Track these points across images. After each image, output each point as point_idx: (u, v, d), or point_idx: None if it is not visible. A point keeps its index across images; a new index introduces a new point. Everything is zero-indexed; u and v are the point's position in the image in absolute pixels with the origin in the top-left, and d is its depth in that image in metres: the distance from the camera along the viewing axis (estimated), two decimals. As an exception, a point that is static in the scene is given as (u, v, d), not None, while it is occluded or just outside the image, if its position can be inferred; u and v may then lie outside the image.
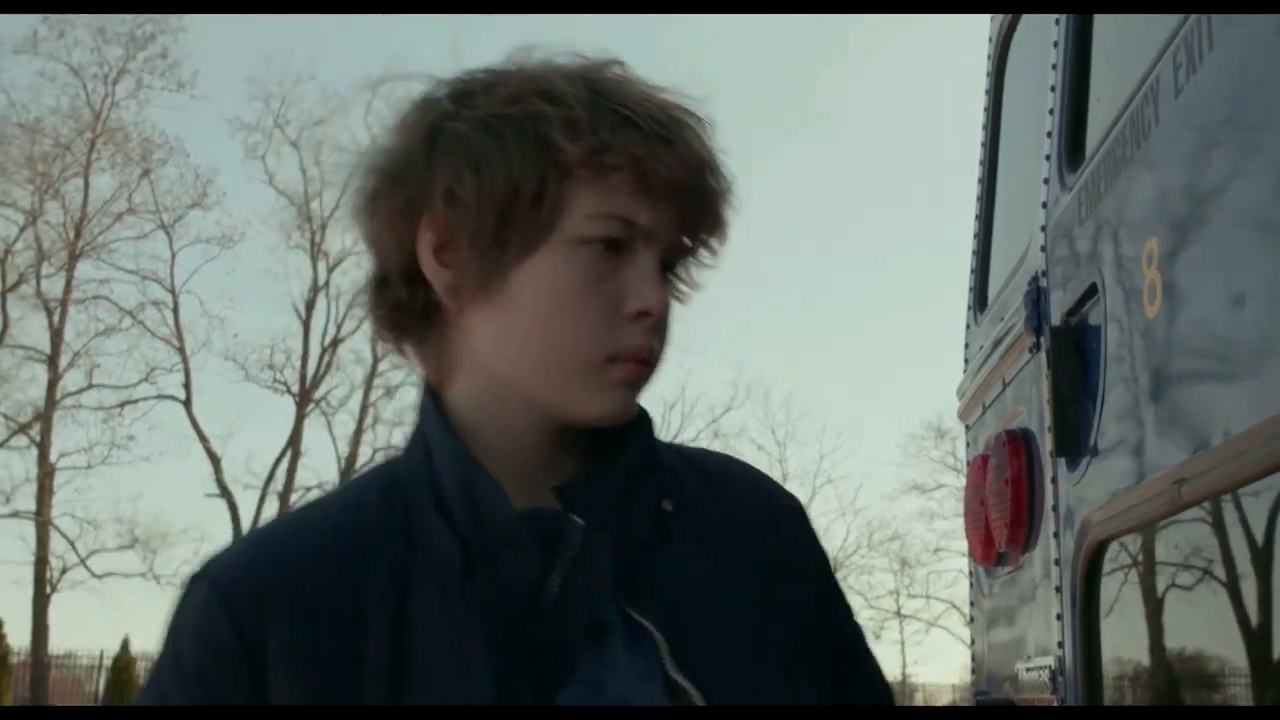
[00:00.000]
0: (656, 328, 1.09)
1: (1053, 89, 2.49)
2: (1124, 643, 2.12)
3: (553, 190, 1.04)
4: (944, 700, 46.53)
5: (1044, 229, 2.41)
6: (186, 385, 30.86)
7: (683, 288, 1.17)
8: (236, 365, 37.41)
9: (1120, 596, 2.12)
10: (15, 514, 27.77)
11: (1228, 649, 1.78)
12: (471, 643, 1.01)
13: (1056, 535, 2.30)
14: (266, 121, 33.28)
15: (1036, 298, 2.39)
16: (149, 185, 30.11)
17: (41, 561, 27.27)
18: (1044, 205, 2.43)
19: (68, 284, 28.80)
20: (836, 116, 61.62)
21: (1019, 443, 2.53)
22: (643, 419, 1.14)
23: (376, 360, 33.33)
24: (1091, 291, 2.10)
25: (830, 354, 62.69)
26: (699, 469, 1.21)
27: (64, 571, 28.07)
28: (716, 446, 42.96)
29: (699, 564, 1.11)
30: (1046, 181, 2.43)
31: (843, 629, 1.26)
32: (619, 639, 1.06)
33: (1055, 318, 2.29)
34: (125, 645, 24.94)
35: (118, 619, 60.04)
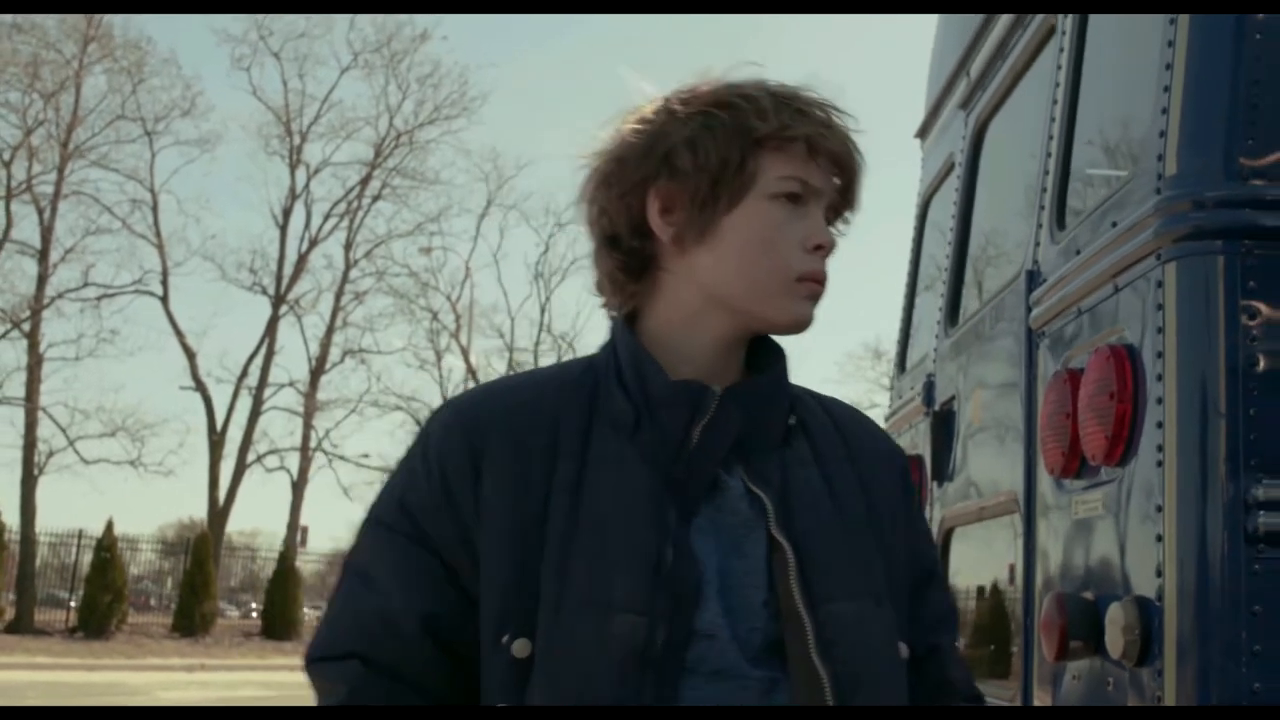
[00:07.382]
0: (826, 259, 1.39)
1: (945, 259, 4.39)
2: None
3: (750, 160, 1.36)
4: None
5: (935, 350, 4.34)
6: (164, 281, 32.23)
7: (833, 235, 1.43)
8: (214, 265, 39.09)
9: (953, 563, 4.08)
10: (5, 401, 29.38)
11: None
12: (637, 473, 1.31)
13: (940, 522, 4.26)
14: (252, 34, 34.32)
15: (928, 389, 4.32)
16: (135, 97, 31.26)
17: (30, 446, 28.84)
18: (935, 336, 4.36)
19: (58, 183, 29.98)
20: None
21: (913, 466, 4.49)
22: (780, 354, 1.44)
23: (349, 266, 34.89)
24: (953, 398, 4.03)
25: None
26: (824, 407, 1.49)
27: (50, 455, 29.77)
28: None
29: (810, 469, 1.39)
30: (939, 323, 4.34)
31: (922, 559, 1.49)
32: (738, 498, 1.35)
33: (936, 404, 4.22)
34: (109, 527, 26.39)
35: (99, 502, 61.49)
